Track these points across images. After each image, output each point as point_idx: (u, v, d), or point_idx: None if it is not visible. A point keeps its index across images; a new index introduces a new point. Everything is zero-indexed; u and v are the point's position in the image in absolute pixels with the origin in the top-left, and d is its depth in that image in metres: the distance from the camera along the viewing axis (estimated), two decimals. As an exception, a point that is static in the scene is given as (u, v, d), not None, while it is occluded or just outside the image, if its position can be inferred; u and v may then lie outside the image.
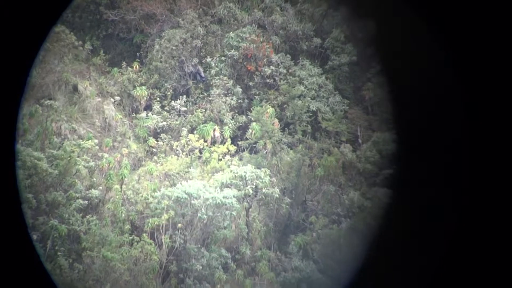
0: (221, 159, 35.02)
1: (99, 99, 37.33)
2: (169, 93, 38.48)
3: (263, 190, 32.17)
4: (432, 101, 7.18)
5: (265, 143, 35.66)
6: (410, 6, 6.60)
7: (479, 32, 6.19)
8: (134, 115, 38.09)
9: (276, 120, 36.80)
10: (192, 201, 30.40)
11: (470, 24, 6.19)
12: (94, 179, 31.81)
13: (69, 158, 30.57)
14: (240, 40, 39.18)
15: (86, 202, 29.91)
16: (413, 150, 7.74)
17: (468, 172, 6.54)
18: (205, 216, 30.28)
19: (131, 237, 29.88)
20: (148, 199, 31.57)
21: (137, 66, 39.55)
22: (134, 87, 38.58)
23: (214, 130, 36.60)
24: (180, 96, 38.32)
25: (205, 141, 36.10)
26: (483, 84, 6.25)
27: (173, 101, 38.15)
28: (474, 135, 6.38)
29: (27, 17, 6.37)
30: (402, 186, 8.29)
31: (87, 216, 29.52)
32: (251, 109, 37.59)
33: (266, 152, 35.46)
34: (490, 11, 6.07)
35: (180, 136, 36.30)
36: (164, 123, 37.18)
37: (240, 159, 35.34)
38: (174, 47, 38.94)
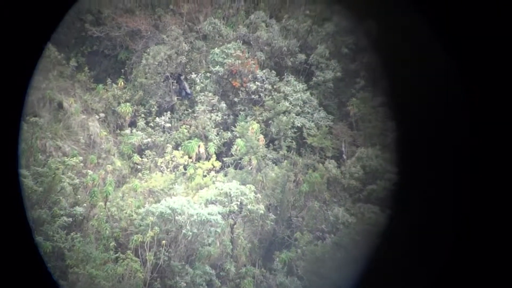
0: (205, 176, 35.01)
1: (84, 116, 37.28)
2: (153, 109, 38.49)
3: (248, 207, 32.15)
4: (435, 107, 7.23)
5: (250, 159, 35.69)
6: (410, 7, 6.64)
7: (483, 34, 6.24)
8: (119, 131, 38.06)
9: (261, 136, 36.83)
10: (177, 217, 30.37)
11: (473, 26, 6.25)
12: (79, 196, 31.77)
13: (53, 175, 30.52)
14: (225, 56, 39.23)
15: (70, 219, 29.87)
16: (412, 157, 7.80)
17: (468, 181, 6.59)
18: (190, 233, 30.24)
19: (115, 254, 29.80)
20: (132, 215, 31.52)
21: (122, 83, 39.53)
22: (119, 103, 38.57)
23: (199, 146, 36.62)
24: (165, 113, 38.35)
25: (190, 158, 36.11)
26: (486, 91, 6.30)
27: (157, 118, 38.18)
28: (475, 144, 6.42)
29: (22, 35, 6.43)
30: (400, 198, 8.34)
31: (72, 233, 29.45)
32: (236, 125, 37.64)
33: (251, 168, 35.47)
34: (493, 12, 6.12)
35: (165, 152, 36.31)
36: (149, 139, 37.19)
37: (225, 175, 35.34)
38: (158, 64, 38.97)
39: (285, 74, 39.56)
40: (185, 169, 35.48)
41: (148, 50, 39.56)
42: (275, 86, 38.98)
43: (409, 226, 7.96)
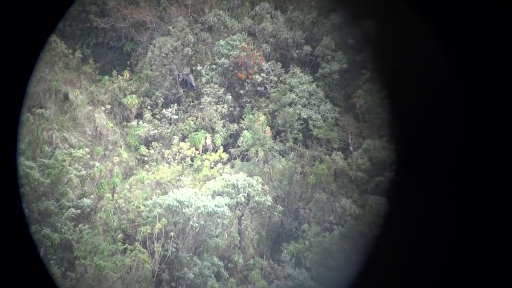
0: (212, 167, 34.97)
1: (90, 107, 37.29)
2: (160, 101, 38.46)
3: (255, 198, 32.14)
4: (432, 105, 7.17)
5: (256, 151, 35.64)
6: (409, 6, 6.59)
7: (482, 33, 6.20)
8: (125, 123, 38.05)
9: (268, 128, 36.77)
10: (184, 209, 30.36)
11: (472, 24, 6.20)
12: (86, 188, 31.76)
13: (60, 167, 30.49)
14: (230, 48, 39.18)
15: (78, 211, 29.84)
16: (411, 155, 7.73)
17: (468, 179, 6.53)
18: (197, 225, 30.23)
19: (123, 246, 29.81)
20: (139, 207, 31.51)
21: (128, 75, 39.50)
22: (125, 95, 38.54)
23: (206, 138, 36.58)
24: (171, 104, 38.32)
25: (197, 149, 36.07)
26: (485, 87, 6.25)
27: (164, 109, 38.16)
28: (475, 141, 6.37)
29: (23, 28, 6.37)
30: (398, 194, 8.26)
31: (79, 225, 29.44)
32: (242, 117, 37.60)
33: (258, 160, 35.44)
34: (492, 11, 6.08)
35: (172, 144, 36.28)
36: (155, 131, 37.17)
37: (232, 167, 35.28)
38: (164, 55, 38.91)
39: (291, 66, 39.48)
40: (192, 161, 35.48)
41: (154, 41, 39.50)
42: (281, 78, 38.92)
43: (406, 222, 7.91)
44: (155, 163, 35.63)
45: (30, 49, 6.53)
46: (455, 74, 6.30)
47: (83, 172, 32.03)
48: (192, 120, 37.38)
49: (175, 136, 36.57)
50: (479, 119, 6.25)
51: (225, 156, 35.75)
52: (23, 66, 6.51)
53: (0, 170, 6.46)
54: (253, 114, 37.15)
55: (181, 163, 35.35)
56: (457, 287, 6.54)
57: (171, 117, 37.81)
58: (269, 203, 32.35)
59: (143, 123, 37.55)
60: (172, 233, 30.19)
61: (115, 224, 30.58)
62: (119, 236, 30.17)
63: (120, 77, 39.24)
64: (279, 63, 39.52)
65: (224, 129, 37.33)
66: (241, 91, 38.74)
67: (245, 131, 36.45)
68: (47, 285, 6.99)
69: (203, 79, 38.88)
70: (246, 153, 36.16)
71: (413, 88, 7.33)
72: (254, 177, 32.90)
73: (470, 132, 6.31)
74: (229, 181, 32.41)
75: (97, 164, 33.12)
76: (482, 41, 6.13)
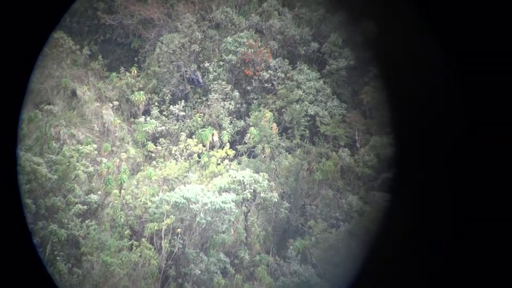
0: (219, 164, 35.00)
1: (98, 104, 37.35)
2: (167, 97, 38.51)
3: (262, 195, 32.17)
4: (433, 103, 7.20)
5: (263, 148, 35.67)
6: (410, 6, 6.63)
7: (482, 32, 6.23)
8: (133, 120, 38.10)
9: (274, 125, 36.79)
10: (191, 206, 30.42)
11: (472, 24, 6.23)
12: (93, 184, 31.80)
13: (68, 163, 30.53)
14: (237, 45, 39.19)
15: (85, 207, 29.84)
16: (412, 153, 7.76)
17: (468, 175, 6.57)
18: (204, 221, 30.29)
19: (130, 242, 29.86)
20: (146, 203, 31.57)
21: (135, 71, 39.56)
22: (133, 92, 38.59)
23: (213, 134, 36.61)
24: (179, 101, 38.33)
25: (204, 146, 36.11)
26: (485, 86, 6.29)
27: (171, 106, 38.20)
28: (475, 138, 6.41)
29: (26, 23, 6.40)
30: (401, 190, 8.29)
31: (86, 221, 29.47)
32: (249, 113, 37.62)
33: (264, 157, 35.46)
34: (492, 11, 6.11)
35: (179, 140, 36.31)
36: (163, 127, 37.23)
37: (239, 164, 35.32)
38: (172, 52, 38.94)
39: (298, 62, 39.47)
40: (199, 157, 35.50)
41: (161, 38, 39.54)
42: (288, 75, 38.92)
43: (407, 219, 7.95)
44: (162, 160, 35.67)
45: (32, 45, 6.57)
46: (455, 74, 6.34)
47: (91, 168, 32.06)
48: (199, 117, 37.42)
49: (182, 133, 36.61)
50: (479, 119, 6.28)
51: (231, 152, 35.78)
52: (25, 62, 6.55)
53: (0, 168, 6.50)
54: (259, 111, 37.18)
55: (188, 159, 35.41)
56: (458, 285, 6.59)
57: (178, 114, 37.84)
58: (276, 200, 32.39)
59: (151, 119, 37.58)
60: (178, 229, 30.25)
61: (122, 220, 30.63)
62: (126, 232, 30.23)
63: (127, 73, 39.30)
64: (286, 60, 39.52)
65: (231, 125, 37.34)
66: (248, 88, 38.78)
67: (252, 128, 36.48)
68: (46, 283, 7.04)
69: (211, 76, 38.90)
70: (252, 149, 36.21)
71: (413, 88, 7.36)
72: (261, 173, 32.95)
73: (470, 132, 6.35)
74: (235, 177, 32.46)
75: (104, 160, 33.18)
76: (482, 41, 6.17)
